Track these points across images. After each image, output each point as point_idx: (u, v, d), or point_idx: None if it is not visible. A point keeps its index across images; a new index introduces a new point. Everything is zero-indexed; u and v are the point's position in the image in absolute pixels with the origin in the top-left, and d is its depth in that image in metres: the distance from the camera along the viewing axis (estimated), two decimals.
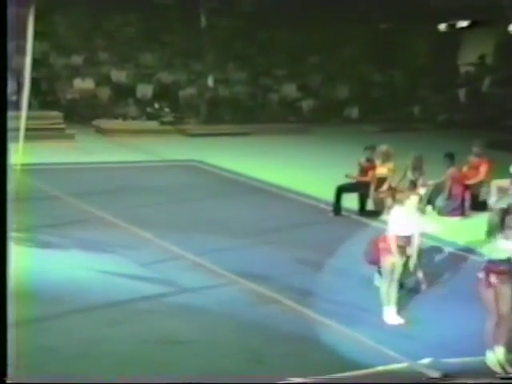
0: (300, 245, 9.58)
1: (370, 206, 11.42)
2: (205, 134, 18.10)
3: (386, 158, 11.66)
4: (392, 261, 7.23)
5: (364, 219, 10.95)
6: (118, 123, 18.22)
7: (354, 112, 21.10)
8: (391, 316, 7.18)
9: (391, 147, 11.90)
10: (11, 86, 17.83)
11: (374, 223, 9.30)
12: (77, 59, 19.84)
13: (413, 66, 22.10)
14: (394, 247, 7.23)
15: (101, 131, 17.70)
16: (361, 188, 11.45)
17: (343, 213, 11.24)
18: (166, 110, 19.30)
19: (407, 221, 7.39)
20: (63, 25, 19.76)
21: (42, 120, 15.59)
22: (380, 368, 6.18)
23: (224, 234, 9.87)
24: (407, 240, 7.36)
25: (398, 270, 7.27)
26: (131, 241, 9.46)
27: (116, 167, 14.20)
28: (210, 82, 20.20)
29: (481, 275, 6.33)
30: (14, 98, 15.87)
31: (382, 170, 11.59)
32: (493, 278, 6.26)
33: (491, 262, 6.34)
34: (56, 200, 11.24)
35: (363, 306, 7.47)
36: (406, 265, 7.42)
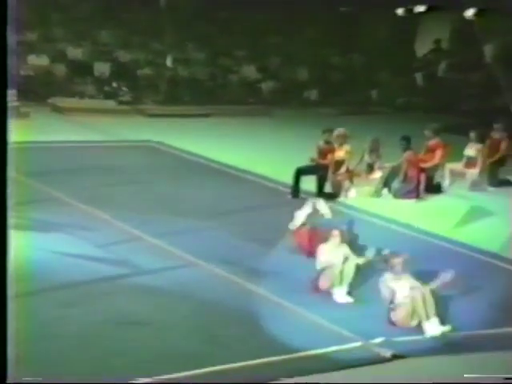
0: (257, 227, 9.65)
1: (327, 188, 11.54)
2: (164, 115, 17.99)
3: (344, 140, 11.80)
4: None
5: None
6: (74, 102, 17.97)
7: (313, 94, 21.19)
8: (341, 295, 7.35)
9: (348, 130, 12.04)
10: None
11: (330, 205, 9.39)
12: (31, 35, 19.42)
13: (371, 50, 22.26)
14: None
15: (57, 109, 17.44)
16: (319, 171, 11.55)
17: (301, 195, 11.32)
18: (124, 89, 19.10)
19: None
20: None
21: None
22: (334, 348, 6.28)
23: (182, 216, 9.86)
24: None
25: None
26: (88, 222, 9.39)
27: (73, 146, 14.04)
28: (169, 61, 20.04)
29: None
30: None
31: (339, 153, 11.71)
32: None
33: None
34: (10, 180, 11.05)
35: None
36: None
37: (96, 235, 8.87)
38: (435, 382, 5.72)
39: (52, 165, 12.31)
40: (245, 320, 6.79)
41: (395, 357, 6.22)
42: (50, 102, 17.61)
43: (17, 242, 8.38)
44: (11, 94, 16.53)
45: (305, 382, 5.76)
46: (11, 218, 9.20)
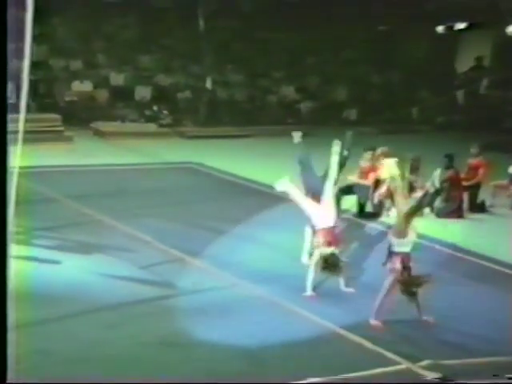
0: (298, 246, 9.60)
1: (368, 208, 11.43)
2: (203, 136, 18.11)
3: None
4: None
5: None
6: (116, 125, 18.22)
7: (352, 114, 21.11)
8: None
9: (390, 149, 11.92)
10: (10, 88, 17.81)
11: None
12: (75, 62, 19.85)
13: (411, 68, 22.12)
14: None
15: (99, 133, 17.70)
16: (360, 190, 11.46)
17: (342, 215, 11.22)
18: (165, 112, 19.29)
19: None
20: (62, 27, 19.76)
21: (41, 122, 15.58)
22: (379, 370, 6.18)
23: (223, 236, 9.87)
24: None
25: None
26: (130, 243, 9.46)
27: (115, 169, 14.20)
28: (209, 84, 20.19)
29: None
30: (12, 100, 15.96)
31: (381, 172, 11.60)
32: None
33: None
34: (55, 202, 11.24)
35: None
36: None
37: (138, 257, 8.92)
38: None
39: (94, 187, 12.46)
40: (287, 341, 6.74)
41: (443, 379, 6.08)
42: (92, 127, 17.89)
43: (60, 263, 8.54)
44: (56, 119, 16.91)
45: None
46: (53, 240, 9.28)
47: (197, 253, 9.10)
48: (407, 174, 12.27)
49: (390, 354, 6.53)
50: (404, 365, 6.35)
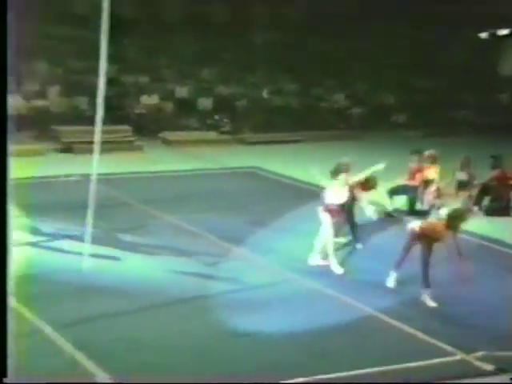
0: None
1: (418, 206, 11.28)
2: (261, 142, 18.18)
3: (434, 161, 11.50)
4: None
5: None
6: (181, 134, 18.43)
7: (400, 118, 20.88)
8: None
9: (437, 151, 11.73)
10: (87, 102, 18.42)
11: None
12: (143, 77, 20.22)
13: (455, 72, 21.70)
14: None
15: (166, 142, 17.94)
16: (410, 190, 11.32)
17: (394, 214, 11.11)
18: (225, 120, 19.46)
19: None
20: (131, 47, 20.12)
21: (114, 134, 15.86)
22: (435, 361, 6.07)
23: (286, 235, 9.87)
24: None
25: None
26: (196, 242, 9.57)
27: (181, 175, 14.38)
28: (265, 93, 20.35)
29: None
30: (88, 113, 16.41)
31: (429, 173, 11.43)
32: None
33: None
34: (128, 206, 11.45)
35: None
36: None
37: (204, 254, 9.02)
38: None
39: (163, 192, 12.64)
40: (344, 333, 6.70)
41: (498, 371, 5.93)
42: (160, 136, 18.16)
43: (134, 261, 8.70)
44: (127, 130, 17.24)
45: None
46: (127, 240, 9.42)
47: (258, 251, 9.14)
48: (453, 175, 12.11)
49: (444, 345, 6.41)
50: (458, 356, 6.23)
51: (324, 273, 8.37)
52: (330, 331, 6.75)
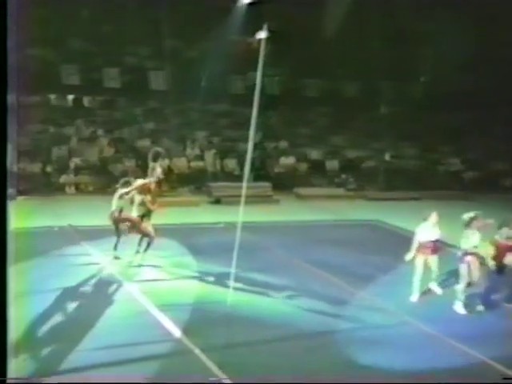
0: None
1: None
2: (382, 199, 17.89)
3: None
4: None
5: None
6: (313, 190, 18.56)
7: (507, 181, 19.75)
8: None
9: None
10: (235, 163, 19.16)
11: None
12: (283, 142, 20.74)
13: None
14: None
15: (300, 197, 18.14)
16: None
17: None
18: (351, 179, 19.41)
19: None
20: (274, 118, 20.78)
21: (256, 189, 16.32)
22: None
23: (401, 283, 9.51)
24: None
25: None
26: (322, 283, 9.46)
27: (311, 225, 14.40)
28: (387, 157, 20.20)
29: None
30: (237, 172, 16.99)
31: None
32: None
33: None
34: (266, 250, 11.61)
35: None
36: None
37: (328, 295, 8.88)
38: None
39: (295, 238, 12.68)
40: (456, 376, 6.26)
41: None
42: (294, 191, 18.40)
43: (268, 298, 8.74)
44: (267, 186, 17.68)
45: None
46: (261, 278, 9.36)
47: (376, 293, 8.87)
48: None
49: None
50: None
51: (434, 319, 7.91)
52: (444, 373, 6.33)
